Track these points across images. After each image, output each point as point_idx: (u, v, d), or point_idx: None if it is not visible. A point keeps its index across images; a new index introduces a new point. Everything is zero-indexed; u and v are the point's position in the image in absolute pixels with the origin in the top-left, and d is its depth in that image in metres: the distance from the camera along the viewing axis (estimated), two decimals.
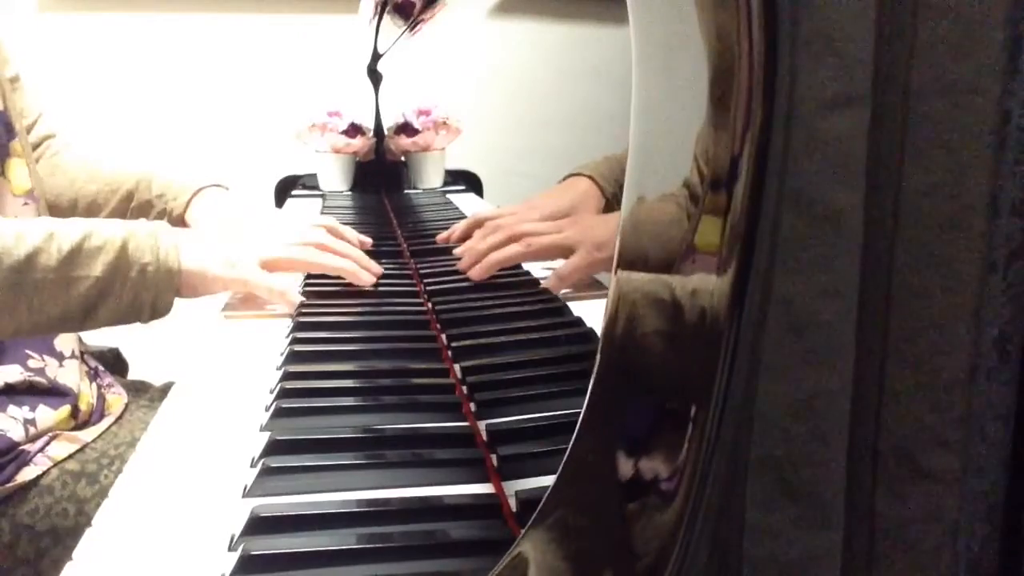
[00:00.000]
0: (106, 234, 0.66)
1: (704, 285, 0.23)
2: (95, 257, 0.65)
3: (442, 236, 0.99)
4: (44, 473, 0.79)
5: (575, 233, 0.82)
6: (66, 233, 0.65)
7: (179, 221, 0.96)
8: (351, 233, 0.86)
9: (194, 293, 0.71)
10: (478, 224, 0.96)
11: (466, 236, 0.95)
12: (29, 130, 0.96)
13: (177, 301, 0.71)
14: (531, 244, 0.81)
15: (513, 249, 0.81)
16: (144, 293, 0.67)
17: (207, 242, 0.73)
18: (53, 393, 0.82)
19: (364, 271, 0.80)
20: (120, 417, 0.92)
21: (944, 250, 0.21)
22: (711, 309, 0.23)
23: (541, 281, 0.81)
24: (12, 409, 0.78)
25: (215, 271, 0.70)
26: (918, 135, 0.21)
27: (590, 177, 0.92)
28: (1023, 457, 0.22)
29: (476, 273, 0.81)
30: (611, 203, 0.95)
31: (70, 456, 0.82)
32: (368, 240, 0.89)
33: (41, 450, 0.80)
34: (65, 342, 0.87)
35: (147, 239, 0.67)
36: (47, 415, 0.80)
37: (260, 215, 0.93)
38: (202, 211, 0.96)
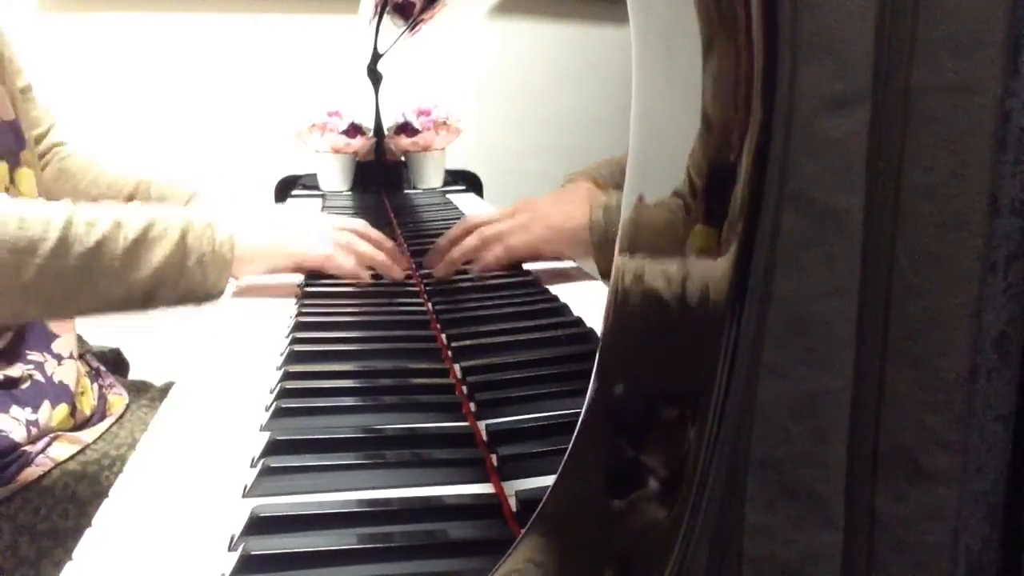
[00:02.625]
0: (166, 223, 0.71)
1: (704, 285, 0.23)
2: (157, 246, 0.69)
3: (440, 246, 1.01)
4: (45, 474, 0.80)
5: (525, 216, 0.84)
6: (131, 222, 0.69)
7: None
8: (378, 234, 0.89)
9: (246, 274, 0.79)
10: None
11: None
12: (39, 140, 0.97)
13: None
14: (483, 232, 0.84)
15: (468, 241, 0.84)
16: (200, 280, 0.72)
17: (266, 227, 0.79)
18: (52, 390, 0.82)
19: (397, 267, 0.84)
20: (121, 417, 0.92)
21: (944, 250, 0.21)
22: (711, 309, 0.23)
23: (532, 274, 0.83)
24: (15, 410, 0.78)
25: (266, 263, 0.78)
26: (918, 135, 0.21)
27: (592, 180, 0.94)
28: (1023, 457, 0.22)
29: (440, 271, 0.85)
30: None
31: (71, 457, 0.82)
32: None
33: (42, 451, 0.80)
34: (64, 344, 0.87)
35: (205, 230, 0.73)
36: (48, 414, 0.81)
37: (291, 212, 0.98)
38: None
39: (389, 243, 0.87)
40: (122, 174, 1.02)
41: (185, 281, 0.71)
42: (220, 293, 0.74)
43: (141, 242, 0.69)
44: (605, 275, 0.84)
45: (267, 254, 0.78)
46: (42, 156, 0.99)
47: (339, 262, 0.82)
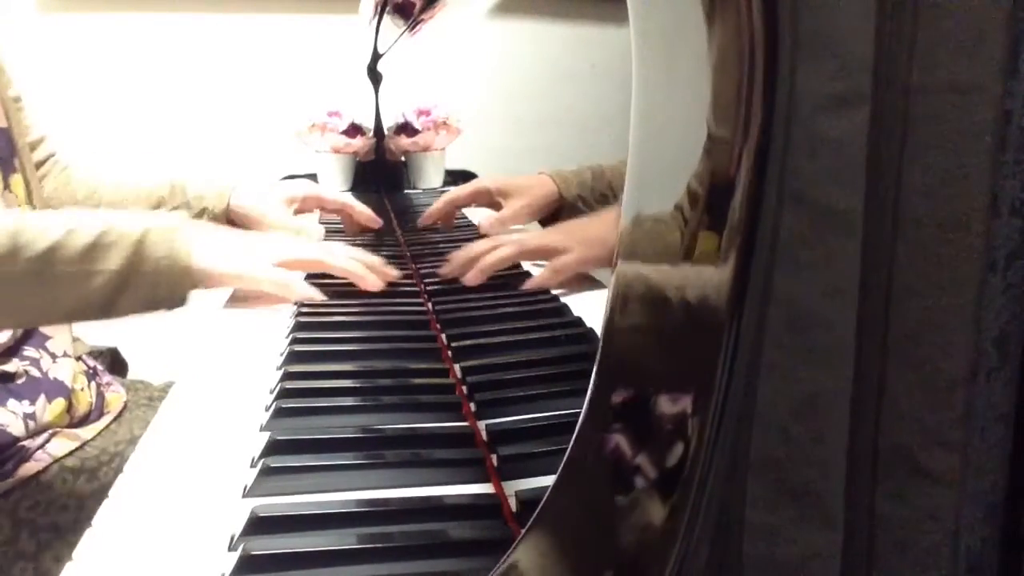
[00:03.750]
0: (123, 229, 0.69)
1: (704, 285, 0.23)
2: (111, 252, 0.67)
3: (423, 217, 1.11)
4: (44, 469, 0.80)
5: (563, 235, 0.86)
6: (85, 228, 0.67)
7: (221, 217, 1.00)
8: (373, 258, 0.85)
9: (207, 287, 0.73)
10: (452, 204, 1.09)
11: (441, 216, 1.10)
12: (32, 149, 0.97)
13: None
14: (522, 245, 0.85)
15: (504, 251, 0.84)
16: (160, 287, 0.69)
17: (224, 239, 0.75)
18: (48, 385, 0.83)
19: (371, 274, 0.80)
20: (120, 415, 0.92)
21: (944, 250, 0.21)
22: (711, 309, 0.23)
23: (533, 275, 0.84)
24: (12, 403, 0.79)
25: (224, 267, 0.73)
26: (918, 135, 0.21)
27: (550, 176, 1.05)
28: (1023, 457, 0.22)
29: (471, 278, 0.83)
30: (570, 203, 1.03)
31: (70, 453, 0.83)
32: (393, 273, 0.86)
33: (41, 447, 0.81)
34: (58, 343, 0.87)
35: (163, 234, 0.70)
36: (44, 408, 0.81)
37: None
38: (246, 199, 0.99)
39: (365, 256, 0.83)
40: (148, 178, 1.01)
41: (144, 288, 0.68)
42: (184, 300, 0.71)
43: (95, 248, 0.67)
44: None
45: (228, 265, 0.73)
46: (38, 167, 0.98)
47: (308, 268, 0.80)
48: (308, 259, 0.79)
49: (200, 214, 0.99)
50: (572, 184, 1.05)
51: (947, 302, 0.22)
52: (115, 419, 0.91)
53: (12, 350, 0.82)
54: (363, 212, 1.06)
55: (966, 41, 0.20)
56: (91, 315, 0.69)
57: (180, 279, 0.69)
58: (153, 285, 0.68)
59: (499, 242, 0.85)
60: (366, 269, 0.80)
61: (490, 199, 1.09)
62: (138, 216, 0.72)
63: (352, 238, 1.07)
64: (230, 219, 1.00)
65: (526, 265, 0.91)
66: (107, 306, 0.68)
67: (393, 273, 0.83)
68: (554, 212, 1.06)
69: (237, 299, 0.82)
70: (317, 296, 0.77)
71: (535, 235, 0.91)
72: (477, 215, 1.15)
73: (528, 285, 0.83)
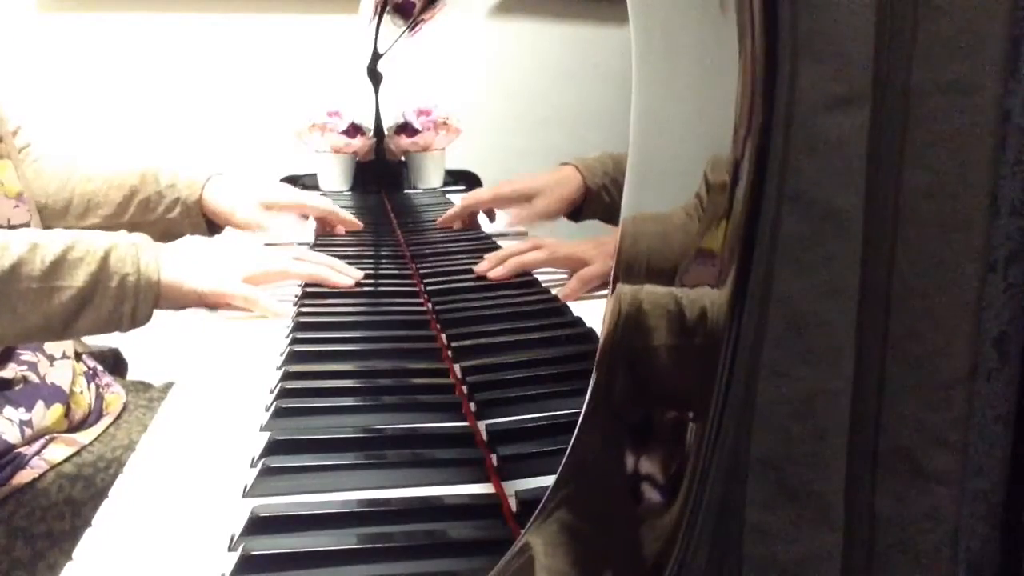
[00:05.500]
0: (88, 245, 0.68)
1: (704, 285, 0.23)
2: (77, 268, 0.67)
3: (442, 220, 1.10)
4: (40, 476, 0.79)
5: (592, 246, 0.87)
6: (49, 244, 0.67)
7: (195, 208, 0.98)
8: (337, 262, 0.86)
9: (174, 304, 0.72)
10: (472, 207, 1.09)
11: (461, 219, 1.09)
12: (14, 135, 0.96)
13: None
14: (554, 251, 0.86)
15: (536, 254, 0.85)
16: (124, 303, 0.68)
17: (189, 256, 0.75)
18: (46, 391, 0.82)
19: (340, 274, 0.82)
20: (119, 417, 0.92)
21: (944, 250, 0.21)
22: (712, 309, 0.23)
23: (556, 288, 0.85)
24: (8, 411, 0.78)
25: (192, 283, 0.72)
26: (918, 135, 0.21)
27: (573, 165, 1.00)
28: (1023, 457, 0.22)
29: (498, 272, 0.85)
30: (595, 192, 1.02)
31: (67, 459, 0.82)
32: (357, 223, 0.90)
33: (38, 453, 0.80)
34: (56, 345, 0.87)
35: (128, 250, 0.69)
36: (42, 414, 0.80)
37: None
38: (218, 193, 0.98)
39: (330, 259, 0.85)
40: (121, 167, 1.00)
41: (108, 304, 0.68)
42: (147, 318, 0.70)
43: (60, 264, 0.66)
44: None
45: (195, 281, 0.73)
46: None
47: (274, 279, 0.80)
48: (273, 271, 0.79)
49: (173, 204, 0.97)
50: (597, 173, 1.04)
51: (947, 302, 0.22)
52: (114, 421, 0.90)
53: (9, 354, 0.82)
54: (345, 218, 1.06)
55: (966, 41, 0.20)
56: (52, 334, 0.68)
57: (146, 295, 0.69)
58: (118, 300, 0.68)
59: (538, 244, 0.87)
60: (333, 271, 0.81)
61: (511, 202, 1.08)
62: (103, 233, 0.71)
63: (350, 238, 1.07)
64: (202, 211, 0.99)
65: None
66: (69, 323, 0.67)
67: (357, 274, 0.84)
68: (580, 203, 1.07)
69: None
70: (283, 312, 0.77)
71: (568, 244, 0.92)
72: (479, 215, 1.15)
73: (562, 296, 0.85)
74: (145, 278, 0.69)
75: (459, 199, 1.15)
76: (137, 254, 0.69)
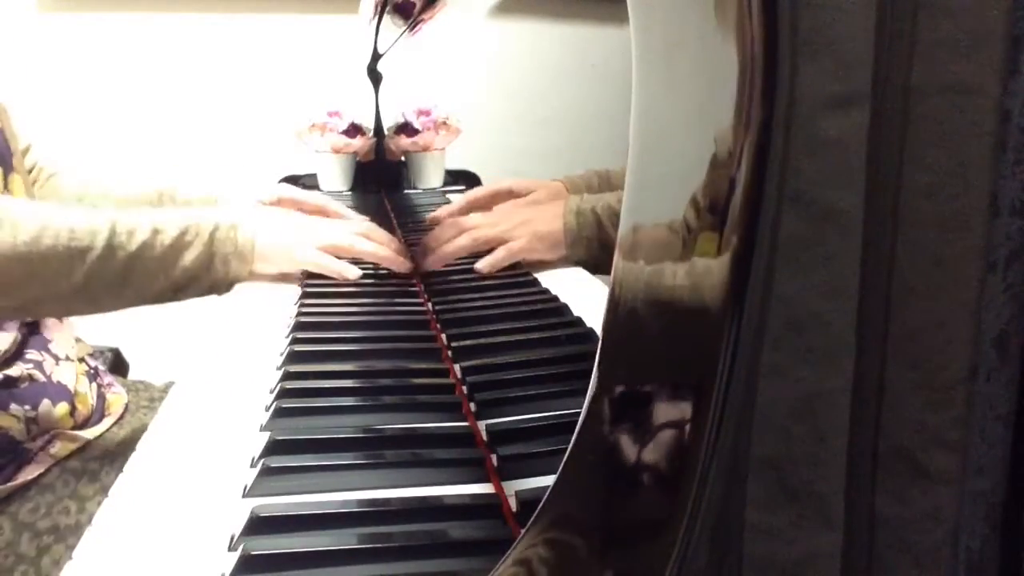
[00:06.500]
0: (199, 228, 0.81)
1: (704, 285, 0.23)
2: (189, 250, 0.80)
3: (432, 215, 1.13)
4: (46, 471, 0.80)
5: (514, 226, 0.93)
6: (168, 229, 0.79)
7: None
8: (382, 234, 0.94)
9: (265, 272, 0.86)
10: (471, 206, 1.10)
11: (461, 214, 1.10)
12: (24, 153, 0.98)
13: (175, 304, 0.83)
14: (476, 237, 0.91)
15: (460, 241, 0.90)
16: (224, 276, 0.82)
17: (276, 227, 0.87)
18: (52, 389, 0.83)
19: (397, 258, 0.89)
20: (121, 417, 0.92)
21: (944, 250, 0.21)
22: (711, 309, 0.23)
23: (536, 278, 0.86)
24: (14, 407, 0.79)
25: (279, 261, 0.86)
26: (918, 135, 0.21)
27: (562, 182, 1.10)
28: (1023, 457, 0.22)
29: (430, 263, 0.91)
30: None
31: (71, 455, 0.82)
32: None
33: (43, 448, 0.80)
34: (60, 346, 0.87)
35: (229, 231, 0.82)
36: (48, 411, 0.81)
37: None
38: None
39: (394, 243, 0.92)
40: (138, 186, 1.05)
41: (210, 277, 0.81)
42: (232, 287, 0.83)
43: (176, 247, 0.78)
44: (580, 264, 0.91)
45: (281, 256, 0.86)
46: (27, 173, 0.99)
47: (336, 268, 0.87)
48: (343, 245, 0.88)
49: None
50: (581, 189, 1.07)
51: (947, 302, 0.22)
52: (117, 421, 0.91)
53: (15, 353, 0.82)
54: (338, 213, 1.08)
55: (966, 41, 0.20)
56: (162, 300, 0.81)
57: (241, 269, 0.82)
58: (219, 275, 0.81)
59: (460, 228, 0.91)
60: (391, 254, 0.89)
61: (509, 200, 1.10)
62: (208, 211, 0.84)
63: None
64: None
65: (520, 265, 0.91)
66: (178, 293, 0.80)
67: (407, 264, 0.91)
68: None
69: (242, 291, 0.84)
70: (358, 275, 0.88)
71: (492, 222, 0.94)
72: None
73: (480, 265, 0.90)
74: (242, 255, 0.83)
75: (459, 199, 1.15)
76: (236, 235, 0.83)
